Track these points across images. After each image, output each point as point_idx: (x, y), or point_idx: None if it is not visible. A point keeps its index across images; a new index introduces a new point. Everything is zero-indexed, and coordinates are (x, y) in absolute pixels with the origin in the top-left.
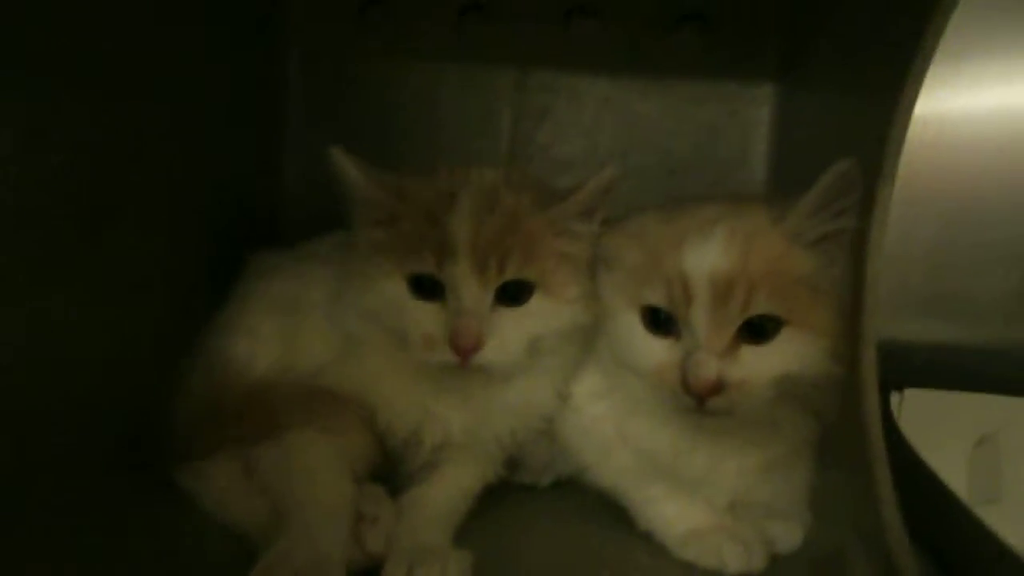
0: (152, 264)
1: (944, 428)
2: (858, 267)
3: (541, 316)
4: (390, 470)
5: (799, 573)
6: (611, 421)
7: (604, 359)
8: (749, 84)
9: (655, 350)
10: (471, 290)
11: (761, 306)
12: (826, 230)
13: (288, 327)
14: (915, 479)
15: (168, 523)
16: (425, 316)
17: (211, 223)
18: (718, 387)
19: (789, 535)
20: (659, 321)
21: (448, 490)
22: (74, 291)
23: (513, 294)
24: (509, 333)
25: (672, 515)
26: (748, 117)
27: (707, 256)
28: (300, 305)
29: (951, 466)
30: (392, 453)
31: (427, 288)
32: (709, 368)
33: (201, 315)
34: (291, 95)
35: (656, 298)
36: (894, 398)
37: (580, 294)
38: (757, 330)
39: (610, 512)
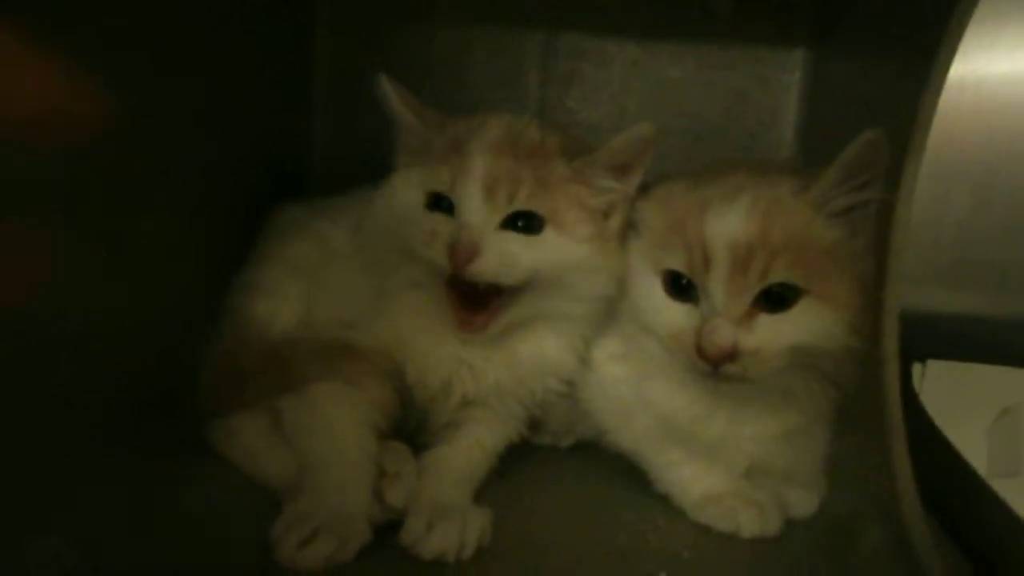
0: (188, 224)
1: (965, 400)
2: (884, 235)
3: (548, 248)
4: (413, 428)
5: (813, 538)
6: (631, 384)
7: (624, 323)
8: (780, 49)
9: (674, 314)
10: (476, 206)
11: (780, 274)
12: (851, 201)
13: (312, 284)
14: (932, 450)
15: (197, 475)
16: (434, 223)
17: (244, 186)
18: (732, 354)
19: (805, 502)
20: (680, 286)
21: (471, 450)
22: (118, 247)
23: (524, 225)
24: (509, 252)
25: (689, 478)
26: (778, 83)
27: (728, 223)
28: (323, 260)
29: (971, 439)
30: (418, 408)
31: (441, 204)
32: (724, 335)
33: (231, 273)
34: (319, 59)
35: (677, 263)
36: (916, 369)
37: (593, 235)
38: (775, 298)
39: (629, 475)
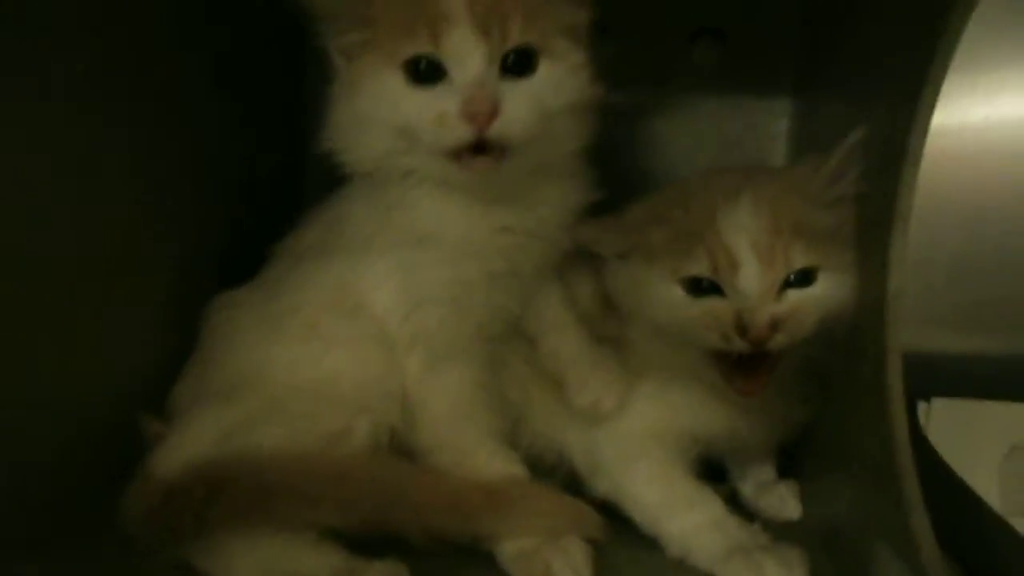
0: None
1: (973, 438)
2: (880, 280)
3: (551, 84)
4: None
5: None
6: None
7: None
8: (766, 97)
9: (703, 308)
10: (477, 59)
11: (799, 260)
12: (842, 193)
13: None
14: (944, 490)
15: None
16: (430, 101)
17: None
18: (774, 325)
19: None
20: (700, 287)
21: None
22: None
23: (520, 64)
24: (522, 103)
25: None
26: (766, 130)
27: (743, 221)
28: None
29: (982, 477)
30: None
31: (426, 73)
32: (763, 313)
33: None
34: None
35: (699, 269)
36: (921, 407)
37: (585, 60)
38: (799, 279)
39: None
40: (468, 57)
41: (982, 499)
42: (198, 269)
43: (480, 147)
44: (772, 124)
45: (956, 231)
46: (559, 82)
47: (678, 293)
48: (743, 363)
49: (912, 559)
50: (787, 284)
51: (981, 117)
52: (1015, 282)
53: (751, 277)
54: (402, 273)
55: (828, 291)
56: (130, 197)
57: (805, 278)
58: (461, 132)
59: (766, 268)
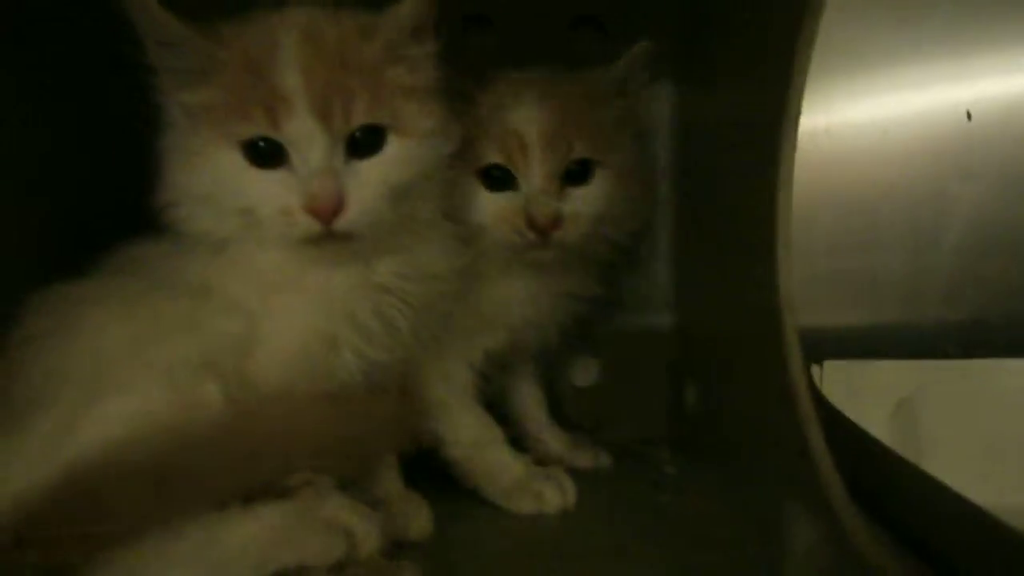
0: None
1: (864, 396)
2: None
3: (400, 160)
4: None
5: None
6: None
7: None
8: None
9: (498, 203)
10: (318, 146)
11: (580, 151)
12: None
13: None
14: (846, 443)
15: None
16: (273, 187)
17: None
18: (558, 220)
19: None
20: (495, 178)
21: None
22: None
23: (367, 143)
24: (369, 189)
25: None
26: (648, 116)
27: (532, 115)
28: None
29: (874, 432)
30: None
31: (266, 155)
32: (550, 204)
33: None
34: None
35: (496, 157)
36: (814, 371)
37: (436, 126)
38: (577, 174)
39: None
40: (309, 144)
41: (880, 441)
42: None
43: (329, 233)
44: (654, 109)
45: (830, 211)
46: (409, 157)
47: (482, 192)
48: None
49: (822, 506)
50: (568, 180)
51: (864, 112)
52: (885, 254)
53: (536, 163)
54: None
55: (604, 188)
56: None
57: (583, 174)
58: (308, 226)
59: (551, 154)
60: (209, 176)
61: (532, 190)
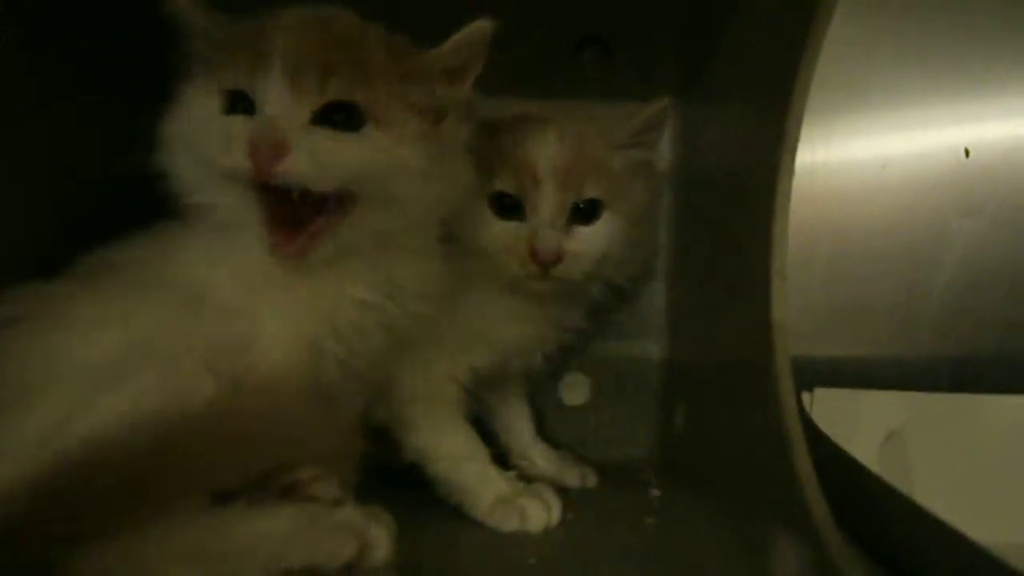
0: None
1: (854, 426)
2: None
3: (369, 146)
4: None
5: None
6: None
7: None
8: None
9: (505, 230)
10: (278, 99)
11: (589, 191)
12: (637, 145)
13: None
14: (834, 469)
15: None
16: (229, 125)
17: None
18: (560, 256)
19: None
20: (505, 206)
21: None
22: None
23: (341, 120)
24: (325, 151)
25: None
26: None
27: (548, 147)
28: None
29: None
30: None
31: (240, 104)
32: (554, 239)
33: None
34: None
35: (505, 185)
36: (804, 398)
37: (418, 136)
38: (585, 213)
39: None
40: (271, 96)
41: (868, 469)
42: None
43: (289, 205)
44: None
45: (828, 240)
46: (380, 147)
47: (490, 217)
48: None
49: (807, 530)
50: (575, 218)
51: (864, 148)
52: (883, 285)
53: (547, 196)
54: None
55: (609, 230)
56: None
57: (591, 214)
58: (241, 162)
59: (562, 189)
60: (189, 119)
61: (539, 222)
